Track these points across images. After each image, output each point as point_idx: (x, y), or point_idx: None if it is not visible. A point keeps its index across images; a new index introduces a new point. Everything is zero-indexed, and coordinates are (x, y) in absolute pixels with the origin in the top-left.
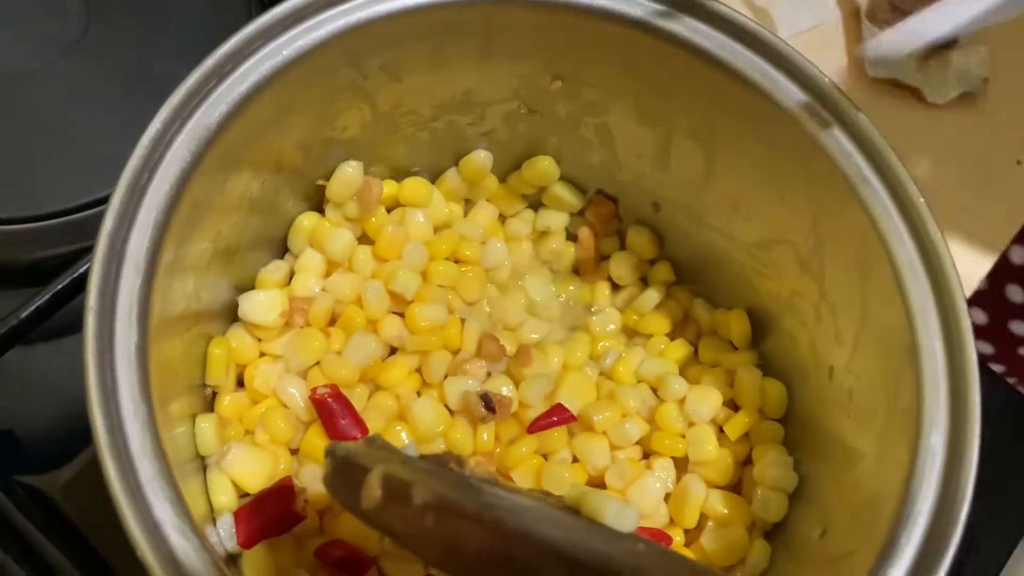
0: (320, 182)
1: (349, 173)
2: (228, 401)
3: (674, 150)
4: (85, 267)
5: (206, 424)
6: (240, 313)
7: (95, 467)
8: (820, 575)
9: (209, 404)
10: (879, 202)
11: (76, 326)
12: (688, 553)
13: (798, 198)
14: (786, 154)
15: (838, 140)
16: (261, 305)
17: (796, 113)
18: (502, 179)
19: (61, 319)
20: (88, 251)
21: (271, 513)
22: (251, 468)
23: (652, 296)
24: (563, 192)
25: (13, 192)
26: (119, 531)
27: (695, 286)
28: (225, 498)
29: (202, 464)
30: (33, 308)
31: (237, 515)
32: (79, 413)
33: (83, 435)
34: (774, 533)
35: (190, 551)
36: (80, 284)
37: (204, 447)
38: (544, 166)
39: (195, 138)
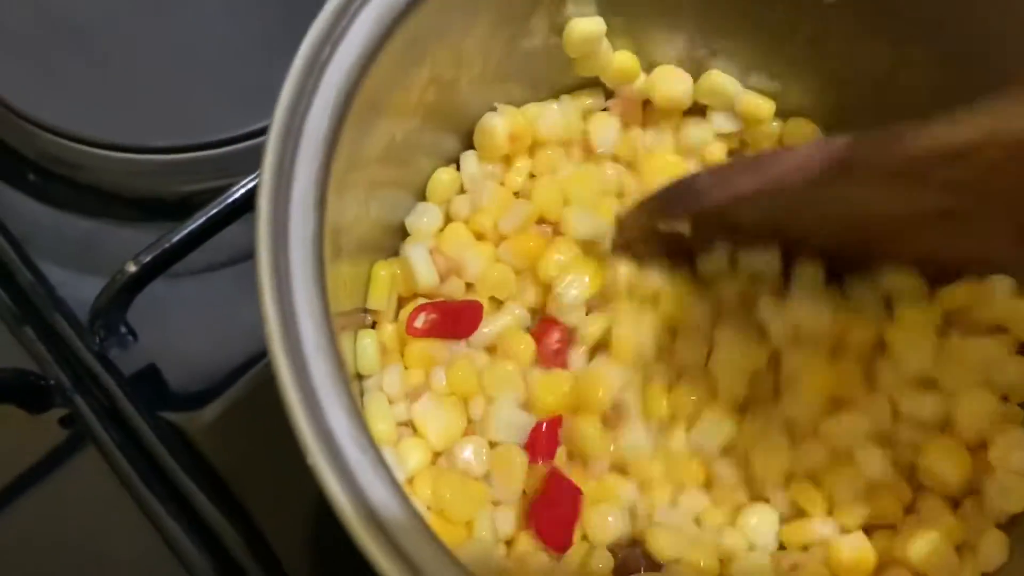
0: None
1: None
2: (390, 331)
3: None
4: (237, 195)
5: (369, 340)
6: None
7: (237, 409)
8: None
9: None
10: None
11: (225, 261)
12: None
13: None
14: None
15: None
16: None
17: None
18: None
19: (210, 253)
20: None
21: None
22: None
23: None
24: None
25: (165, 121)
26: (258, 476)
27: None
28: (384, 426)
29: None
30: (184, 233)
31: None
32: (224, 352)
33: (228, 375)
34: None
35: (366, 465)
36: (230, 215)
37: (365, 366)
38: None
39: (381, 14)
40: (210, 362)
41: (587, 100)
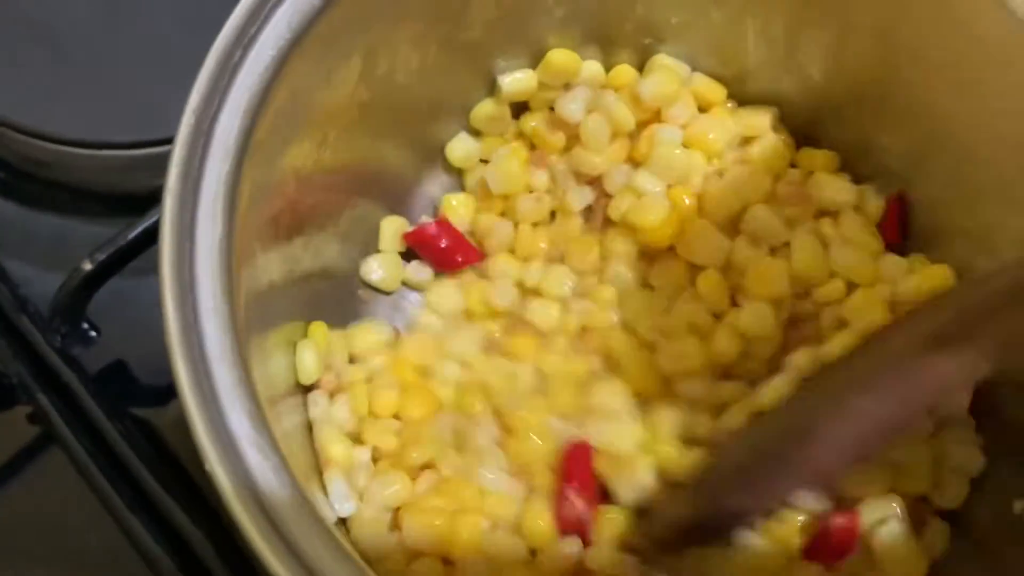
0: None
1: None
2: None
3: None
4: None
5: (308, 352)
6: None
7: None
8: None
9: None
10: None
11: None
12: None
13: None
14: None
15: None
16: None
17: None
18: None
19: None
20: None
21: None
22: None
23: None
24: None
25: (131, 117)
26: None
27: None
28: (339, 448)
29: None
30: (140, 230)
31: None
32: None
33: None
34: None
35: (268, 471)
36: None
37: (304, 376)
38: None
39: (297, 11)
40: None
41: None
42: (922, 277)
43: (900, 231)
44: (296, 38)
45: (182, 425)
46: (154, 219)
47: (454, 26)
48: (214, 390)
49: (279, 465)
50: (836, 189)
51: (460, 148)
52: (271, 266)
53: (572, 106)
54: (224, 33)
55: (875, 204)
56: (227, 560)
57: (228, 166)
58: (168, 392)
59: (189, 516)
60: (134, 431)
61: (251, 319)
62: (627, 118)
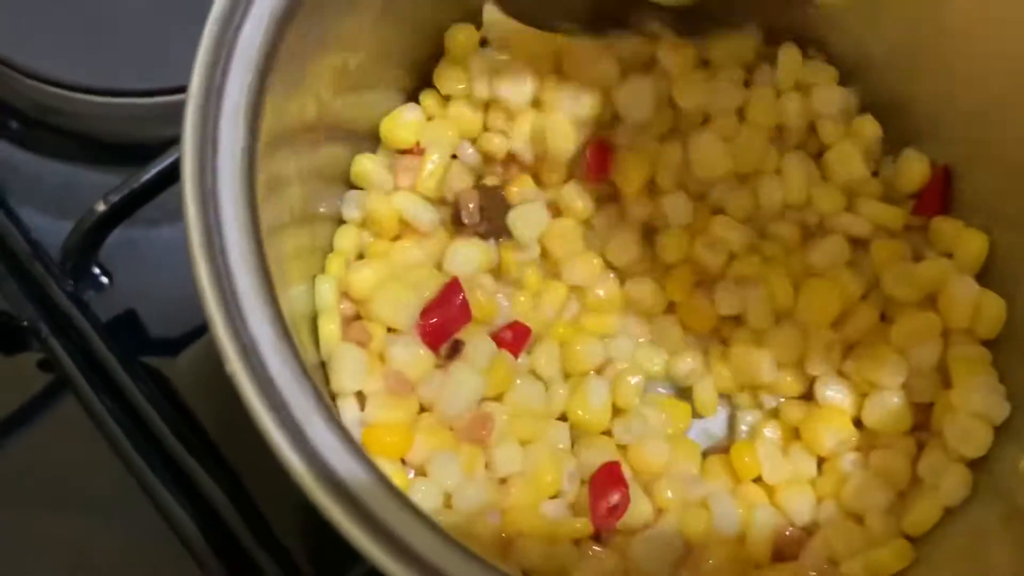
0: None
1: None
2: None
3: None
4: None
5: (327, 286)
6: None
7: (216, 353)
8: None
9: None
10: None
11: None
12: None
13: None
14: None
15: None
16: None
17: None
18: None
19: None
20: None
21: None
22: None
23: None
24: None
25: (145, 64)
26: (236, 420)
27: None
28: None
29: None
30: (154, 173)
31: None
32: None
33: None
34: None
35: (290, 378)
36: None
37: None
38: None
39: None
40: (189, 307)
41: None
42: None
43: (942, 203)
44: None
45: (193, 374)
46: (168, 162)
47: None
48: (236, 295)
49: (299, 371)
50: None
51: None
52: (292, 178)
53: None
54: None
55: (919, 168)
56: (237, 504)
57: (251, 77)
58: (179, 342)
59: (200, 463)
60: (146, 378)
61: (271, 230)
62: None
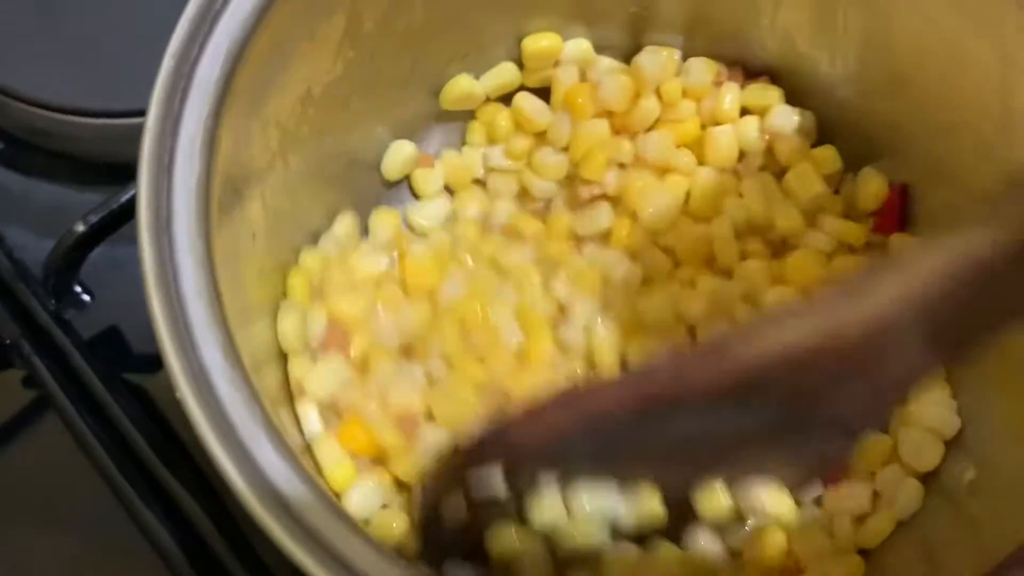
0: None
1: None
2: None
3: None
4: None
5: (289, 321)
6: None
7: None
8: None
9: None
10: None
11: None
12: None
13: None
14: None
15: None
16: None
17: None
18: None
19: None
20: None
21: None
22: None
23: None
24: None
25: (130, 85)
26: None
27: None
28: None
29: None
30: (133, 193)
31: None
32: None
33: None
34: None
35: (239, 402)
36: None
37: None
38: None
39: None
40: None
41: None
42: None
43: (900, 221)
44: None
45: (173, 391)
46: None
47: None
48: (188, 324)
49: (249, 396)
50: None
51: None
52: (254, 214)
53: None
54: None
55: (876, 186)
56: (218, 524)
57: (208, 109)
58: (160, 359)
59: (180, 480)
60: (127, 396)
61: (228, 262)
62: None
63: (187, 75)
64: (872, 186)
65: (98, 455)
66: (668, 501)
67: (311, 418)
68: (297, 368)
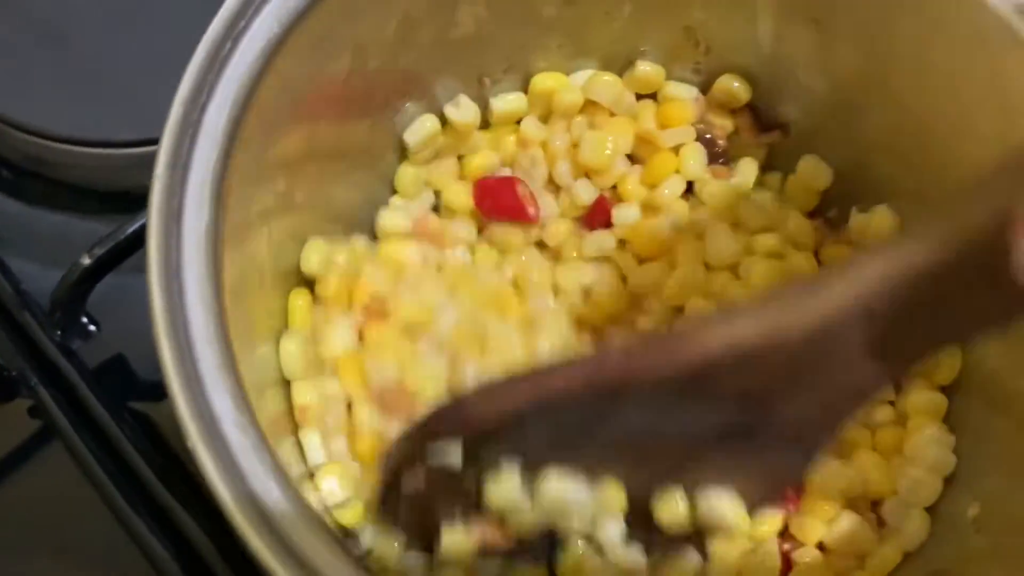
0: None
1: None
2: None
3: None
4: None
5: (292, 346)
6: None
7: None
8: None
9: None
10: None
11: None
12: None
13: None
14: None
15: None
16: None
17: None
18: None
19: None
20: None
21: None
22: None
23: None
24: None
25: (133, 116)
26: None
27: None
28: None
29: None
30: (138, 226)
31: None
32: None
33: None
34: None
35: (249, 449)
36: None
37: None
38: None
39: (286, 6)
40: None
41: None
42: None
43: None
44: (285, 32)
45: (178, 420)
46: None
47: (445, 23)
48: (198, 372)
49: (259, 442)
50: None
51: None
52: (259, 251)
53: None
54: (214, 26)
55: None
56: (224, 552)
57: (216, 155)
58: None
59: (186, 509)
60: (133, 425)
61: (237, 304)
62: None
63: (195, 122)
64: (885, 223)
65: (103, 483)
66: (633, 503)
67: (313, 445)
68: (300, 394)
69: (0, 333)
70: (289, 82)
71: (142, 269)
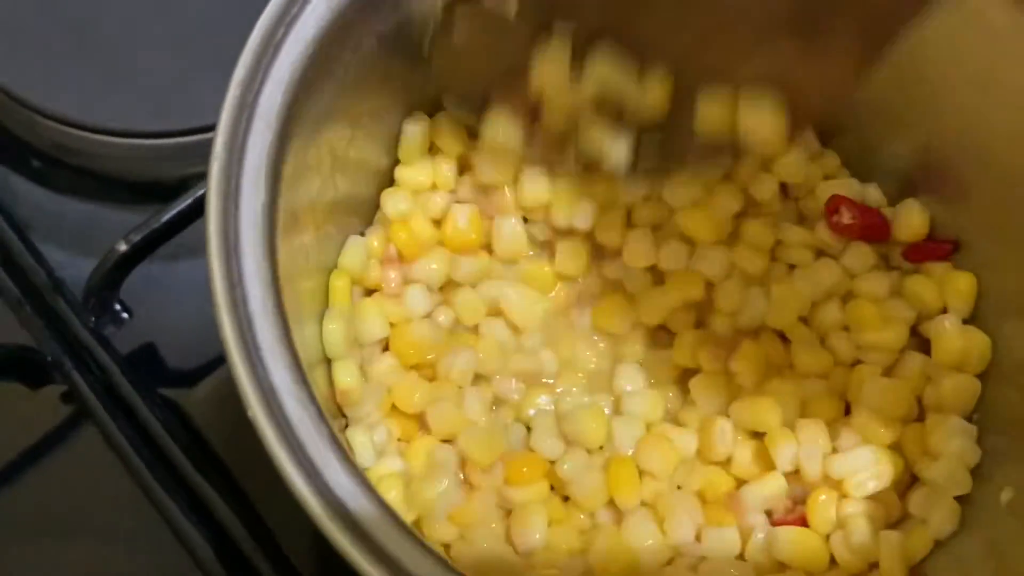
0: None
1: None
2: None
3: None
4: None
5: (333, 326)
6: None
7: (232, 385)
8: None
9: None
10: None
11: None
12: None
13: None
14: None
15: None
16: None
17: None
18: None
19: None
20: None
21: None
22: None
23: None
24: None
25: (162, 107)
26: (252, 451)
27: None
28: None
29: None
30: (173, 213)
31: None
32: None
33: (222, 353)
34: None
35: (306, 419)
36: None
37: (331, 349)
38: None
39: None
40: (206, 340)
41: None
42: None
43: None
44: (336, 18)
45: (209, 405)
46: (187, 203)
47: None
48: (257, 345)
49: (316, 414)
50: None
51: None
52: (306, 230)
53: None
54: (267, 12)
55: (919, 221)
56: (253, 532)
57: (271, 137)
58: (196, 374)
59: (218, 492)
60: (164, 410)
61: (286, 284)
62: None
63: (251, 104)
64: (915, 220)
65: (137, 468)
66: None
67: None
68: (341, 376)
69: (34, 319)
70: (338, 66)
71: (174, 258)
